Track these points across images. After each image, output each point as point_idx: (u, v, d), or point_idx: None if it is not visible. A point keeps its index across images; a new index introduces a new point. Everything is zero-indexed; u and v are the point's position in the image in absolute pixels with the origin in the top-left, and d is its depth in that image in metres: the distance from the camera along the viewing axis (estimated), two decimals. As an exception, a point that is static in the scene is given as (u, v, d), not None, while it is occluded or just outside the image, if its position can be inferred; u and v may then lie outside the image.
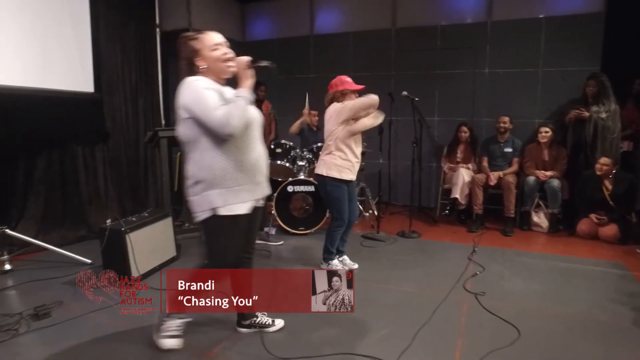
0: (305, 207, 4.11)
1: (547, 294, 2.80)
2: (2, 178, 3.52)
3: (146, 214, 3.23)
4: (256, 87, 5.13)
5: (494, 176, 4.32)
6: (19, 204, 3.69)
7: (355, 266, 3.23)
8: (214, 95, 1.81)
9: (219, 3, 5.58)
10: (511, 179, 4.25)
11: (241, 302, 2.09)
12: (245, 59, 1.87)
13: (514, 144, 4.49)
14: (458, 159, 4.75)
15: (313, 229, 4.10)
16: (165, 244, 3.28)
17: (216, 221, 1.89)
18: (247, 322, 2.28)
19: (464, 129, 4.69)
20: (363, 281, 3.00)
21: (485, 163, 4.57)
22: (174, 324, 2.08)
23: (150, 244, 3.08)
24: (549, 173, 4.20)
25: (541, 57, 4.60)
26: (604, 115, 4.07)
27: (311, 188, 4.04)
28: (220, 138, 1.81)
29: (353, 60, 5.40)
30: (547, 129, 4.28)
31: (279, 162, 4.15)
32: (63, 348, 2.15)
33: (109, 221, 2.96)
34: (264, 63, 1.90)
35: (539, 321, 2.41)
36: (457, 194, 4.38)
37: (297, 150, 4.28)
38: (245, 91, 1.84)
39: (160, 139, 3.90)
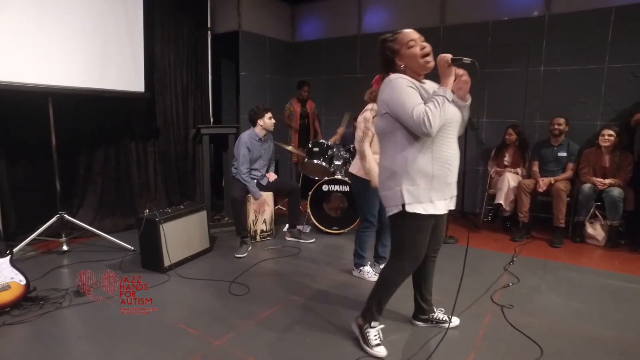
0: (340, 206, 4.11)
1: (587, 313, 2.54)
2: (66, 169, 3.92)
3: (182, 207, 3.43)
4: (300, 87, 5.28)
5: (543, 182, 4.00)
6: (80, 193, 4.11)
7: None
8: (413, 93, 1.83)
9: (269, 5, 5.75)
10: (562, 185, 3.91)
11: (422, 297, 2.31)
12: (447, 56, 1.86)
13: (569, 147, 4.12)
14: (506, 163, 4.46)
15: (346, 229, 4.09)
16: (199, 235, 3.46)
17: (404, 217, 1.91)
18: (425, 317, 2.36)
19: (510, 131, 4.40)
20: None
21: (535, 168, 4.25)
22: (374, 332, 2.13)
23: (183, 235, 3.27)
24: (607, 181, 3.80)
25: (607, 51, 4.16)
26: (678, 116, 3.61)
27: (346, 188, 4.03)
28: (416, 135, 1.84)
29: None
30: (611, 132, 3.86)
31: (315, 161, 4.19)
32: (94, 324, 2.37)
33: (146, 211, 3.19)
34: (466, 60, 1.86)
35: (568, 343, 2.21)
36: (501, 199, 4.12)
37: (335, 150, 4.29)
38: (445, 89, 1.83)
39: (202, 136, 4.12)
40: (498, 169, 4.47)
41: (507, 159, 4.46)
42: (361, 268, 3.07)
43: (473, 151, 4.94)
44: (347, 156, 4.25)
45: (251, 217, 3.82)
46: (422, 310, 2.35)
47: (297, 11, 6.14)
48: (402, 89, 1.82)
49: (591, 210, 3.88)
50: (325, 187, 4.08)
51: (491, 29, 4.70)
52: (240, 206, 3.63)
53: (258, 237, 3.90)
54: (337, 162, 4.24)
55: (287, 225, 4.03)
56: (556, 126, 4.12)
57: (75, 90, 3.50)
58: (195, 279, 3.00)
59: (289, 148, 4.62)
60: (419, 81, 1.93)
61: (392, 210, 1.93)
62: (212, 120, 5.30)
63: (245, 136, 3.77)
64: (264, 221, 3.90)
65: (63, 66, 3.39)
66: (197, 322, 2.39)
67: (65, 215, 3.53)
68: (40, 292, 2.66)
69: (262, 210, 3.86)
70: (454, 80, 1.90)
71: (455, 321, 2.36)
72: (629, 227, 3.83)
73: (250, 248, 3.64)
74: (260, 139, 3.84)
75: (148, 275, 3.02)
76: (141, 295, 2.68)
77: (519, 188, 4.06)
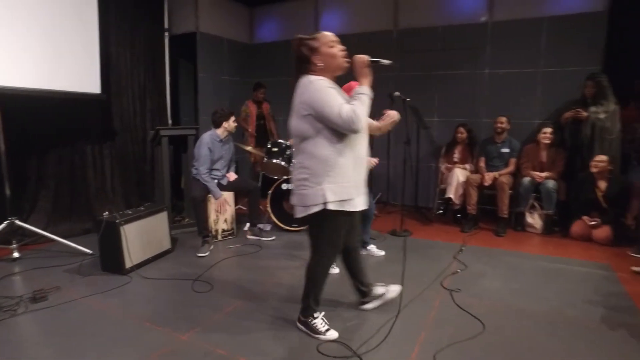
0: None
1: (523, 292, 2.82)
2: (15, 173, 3.78)
3: (142, 208, 3.42)
4: (256, 89, 5.36)
5: (488, 177, 4.33)
6: (31, 197, 3.97)
7: (382, 253, 3.53)
8: (335, 93, 1.93)
9: (227, 7, 5.78)
10: (505, 179, 4.25)
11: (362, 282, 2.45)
12: (365, 57, 1.97)
13: (511, 144, 4.48)
14: (455, 160, 4.77)
15: (306, 227, 4.21)
16: (160, 236, 3.47)
17: (326, 215, 1.98)
18: (367, 298, 2.50)
19: (461, 129, 4.71)
20: (343, 275, 3.11)
21: (482, 163, 4.58)
22: (319, 321, 2.24)
23: (144, 236, 3.27)
24: (544, 174, 4.18)
25: (542, 57, 4.56)
26: (602, 115, 4.02)
27: (305, 186, 4.16)
28: (341, 134, 1.92)
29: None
30: (551, 129, 4.25)
31: (274, 160, 4.28)
32: (54, 327, 2.35)
33: (106, 213, 3.17)
34: (384, 62, 1.98)
35: (506, 317, 2.46)
36: (451, 193, 4.41)
37: (293, 149, 4.40)
38: (365, 88, 1.95)
39: (161, 138, 4.11)
40: (448, 165, 4.77)
41: (456, 155, 4.77)
42: (369, 247, 3.44)
43: (425, 149, 5.22)
44: (307, 155, 4.38)
45: (212, 216, 3.87)
46: (364, 294, 2.50)
47: (255, 13, 6.21)
48: (325, 90, 1.90)
49: (530, 202, 4.24)
50: (284, 186, 4.19)
51: (440, 33, 5.00)
52: (201, 206, 3.67)
53: (219, 237, 3.95)
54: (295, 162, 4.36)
55: (248, 224, 4.10)
56: (499, 125, 4.47)
57: (24, 91, 3.40)
58: (158, 279, 3.02)
59: (249, 148, 4.69)
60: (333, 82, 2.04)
61: (311, 209, 1.98)
62: (170, 121, 5.26)
63: (207, 137, 3.81)
64: (225, 220, 3.96)
65: (11, 66, 3.29)
66: (162, 319, 2.43)
67: (16, 221, 3.42)
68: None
69: (223, 209, 3.92)
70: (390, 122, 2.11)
71: (396, 288, 2.55)
72: (561, 216, 4.22)
73: (212, 247, 3.69)
74: (221, 140, 3.89)
75: (109, 278, 3.02)
76: (103, 297, 2.70)
77: (467, 183, 4.36)
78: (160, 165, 4.29)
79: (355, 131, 1.90)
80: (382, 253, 3.54)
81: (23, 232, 3.61)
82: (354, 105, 1.89)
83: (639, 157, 3.93)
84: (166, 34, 5.18)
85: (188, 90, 5.80)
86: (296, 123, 1.99)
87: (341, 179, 1.96)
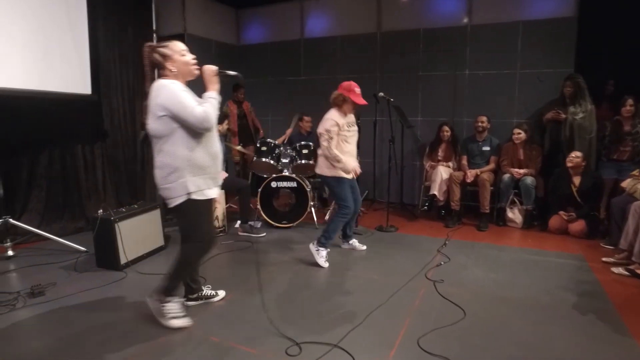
0: (289, 202, 4.36)
1: (502, 282, 2.99)
2: (7, 173, 3.82)
3: (136, 206, 3.50)
4: (236, 90, 5.46)
5: (470, 174, 4.51)
6: (23, 197, 4.00)
7: (364, 247, 3.68)
8: (188, 96, 2.12)
9: (214, 9, 5.86)
10: (486, 176, 4.44)
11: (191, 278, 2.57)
12: (213, 67, 2.21)
13: (491, 142, 4.68)
14: (439, 158, 4.95)
15: (295, 223, 4.34)
16: (154, 233, 3.56)
17: (191, 204, 2.18)
18: (194, 295, 2.62)
19: (446, 128, 4.88)
20: (332, 268, 3.25)
21: (464, 161, 4.76)
22: (174, 307, 2.35)
23: (138, 233, 3.35)
24: (522, 171, 4.38)
25: (518, 59, 4.77)
26: (580, 115, 4.22)
27: (294, 184, 4.29)
28: (194, 132, 2.11)
29: (341, 63, 5.64)
30: (520, 130, 4.45)
31: (264, 159, 4.40)
32: (54, 320, 2.43)
33: (100, 211, 3.24)
34: (231, 73, 2.25)
35: (485, 305, 2.62)
36: (435, 190, 4.58)
37: (281, 149, 4.53)
38: (215, 93, 2.19)
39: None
40: (432, 163, 4.95)
41: (440, 153, 4.95)
42: (320, 248, 3.34)
43: (410, 147, 5.39)
44: (294, 154, 4.50)
45: (204, 214, 3.96)
46: (191, 290, 2.61)
47: (242, 15, 6.30)
48: (179, 93, 2.08)
49: (510, 197, 4.44)
50: (274, 184, 4.30)
51: (422, 35, 5.17)
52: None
53: (212, 234, 4.04)
54: (284, 160, 4.49)
55: (239, 222, 4.21)
56: (480, 123, 4.66)
57: (13, 91, 3.45)
58: (153, 274, 3.10)
59: (238, 148, 4.79)
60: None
61: (176, 200, 2.17)
62: (160, 122, 5.31)
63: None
64: (216, 218, 4.05)
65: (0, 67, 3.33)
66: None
67: (10, 219, 3.47)
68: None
69: (213, 207, 4.00)
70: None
71: (222, 293, 2.71)
72: (540, 211, 4.43)
73: (204, 244, 3.78)
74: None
75: (105, 273, 3.09)
76: (100, 292, 2.78)
77: (450, 180, 4.54)
78: (143, 166, 4.35)
79: (207, 129, 2.13)
80: (364, 248, 3.68)
81: (15, 231, 3.64)
82: (205, 106, 2.10)
83: (608, 154, 4.14)
84: (154, 35, 5.23)
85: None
86: (153, 124, 2.12)
87: (199, 171, 2.16)
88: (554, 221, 4.17)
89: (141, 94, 5.03)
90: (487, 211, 4.42)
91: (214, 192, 2.29)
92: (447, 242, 3.89)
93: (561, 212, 4.14)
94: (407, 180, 5.34)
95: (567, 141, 4.25)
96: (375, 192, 5.54)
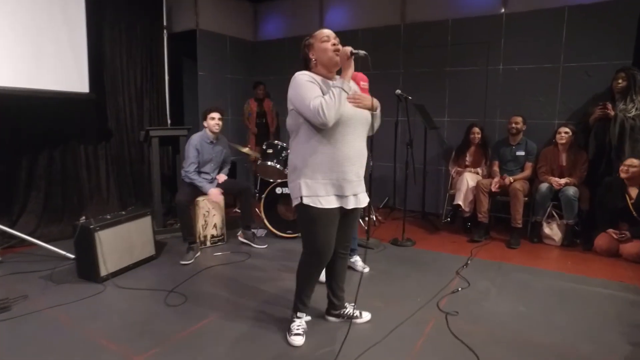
0: (294, 210, 3.98)
1: (531, 318, 2.47)
2: (4, 174, 3.71)
3: (123, 213, 3.26)
4: (255, 87, 5.18)
5: (494, 181, 3.95)
6: (21, 199, 3.88)
7: (367, 269, 3.17)
8: (312, 86, 1.90)
9: (228, 3, 5.60)
10: (519, 185, 3.86)
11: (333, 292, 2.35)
12: (347, 49, 1.91)
13: (527, 146, 4.08)
14: (467, 163, 4.41)
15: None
16: (142, 242, 3.30)
17: (303, 210, 1.98)
18: (337, 312, 2.39)
19: (476, 130, 4.34)
20: (324, 290, 2.84)
21: (496, 167, 4.20)
22: (299, 324, 2.20)
23: (123, 242, 3.11)
24: (563, 180, 3.77)
25: (562, 50, 4.14)
26: (633, 113, 3.59)
27: (301, 190, 3.91)
28: (316, 129, 1.90)
29: (361, 58, 5.18)
30: (567, 129, 3.85)
31: (269, 163, 4.06)
32: (8, 342, 2.19)
33: (82, 218, 3.02)
34: (362, 53, 1.91)
35: (504, 350, 2.13)
36: (460, 200, 4.06)
37: (289, 152, 4.16)
38: (343, 81, 1.88)
39: (151, 138, 3.96)
40: (459, 168, 4.41)
41: (468, 158, 4.41)
42: (353, 259, 3.13)
43: (434, 151, 4.88)
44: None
45: (200, 222, 3.68)
46: (333, 306, 2.38)
47: (259, 9, 6.00)
48: (303, 84, 1.90)
49: (548, 210, 3.85)
50: (278, 190, 3.95)
51: (451, 26, 4.64)
52: (186, 211, 3.47)
53: (208, 243, 3.75)
54: (292, 164, 4.12)
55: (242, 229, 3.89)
56: (514, 125, 4.08)
57: (6, 90, 3.30)
58: (133, 289, 2.85)
59: (245, 150, 4.48)
60: (330, 78, 2.01)
61: (294, 201, 2.02)
62: (169, 121, 5.13)
63: (196, 137, 3.64)
64: (215, 226, 3.76)
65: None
66: (123, 336, 2.25)
67: (-1, 224, 3.33)
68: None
69: (219, 199, 3.67)
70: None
71: (367, 316, 2.42)
72: (584, 227, 3.81)
73: (198, 254, 3.50)
74: (211, 142, 3.70)
75: (83, 286, 2.87)
76: (70, 308, 2.54)
77: (477, 188, 4.00)
78: (149, 167, 4.14)
79: (323, 124, 1.84)
80: (366, 269, 3.16)
81: (10, 234, 3.51)
82: (324, 98, 1.84)
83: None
84: (165, 32, 5.03)
85: (192, 89, 5.66)
86: (287, 119, 2.04)
87: (317, 175, 1.94)
88: (602, 240, 3.54)
89: (149, 93, 4.85)
90: (520, 226, 3.84)
91: (334, 202, 1.98)
92: (469, 261, 3.39)
93: (610, 230, 3.51)
94: (430, 187, 4.83)
95: (617, 143, 3.61)
96: (396, 199, 5.06)
